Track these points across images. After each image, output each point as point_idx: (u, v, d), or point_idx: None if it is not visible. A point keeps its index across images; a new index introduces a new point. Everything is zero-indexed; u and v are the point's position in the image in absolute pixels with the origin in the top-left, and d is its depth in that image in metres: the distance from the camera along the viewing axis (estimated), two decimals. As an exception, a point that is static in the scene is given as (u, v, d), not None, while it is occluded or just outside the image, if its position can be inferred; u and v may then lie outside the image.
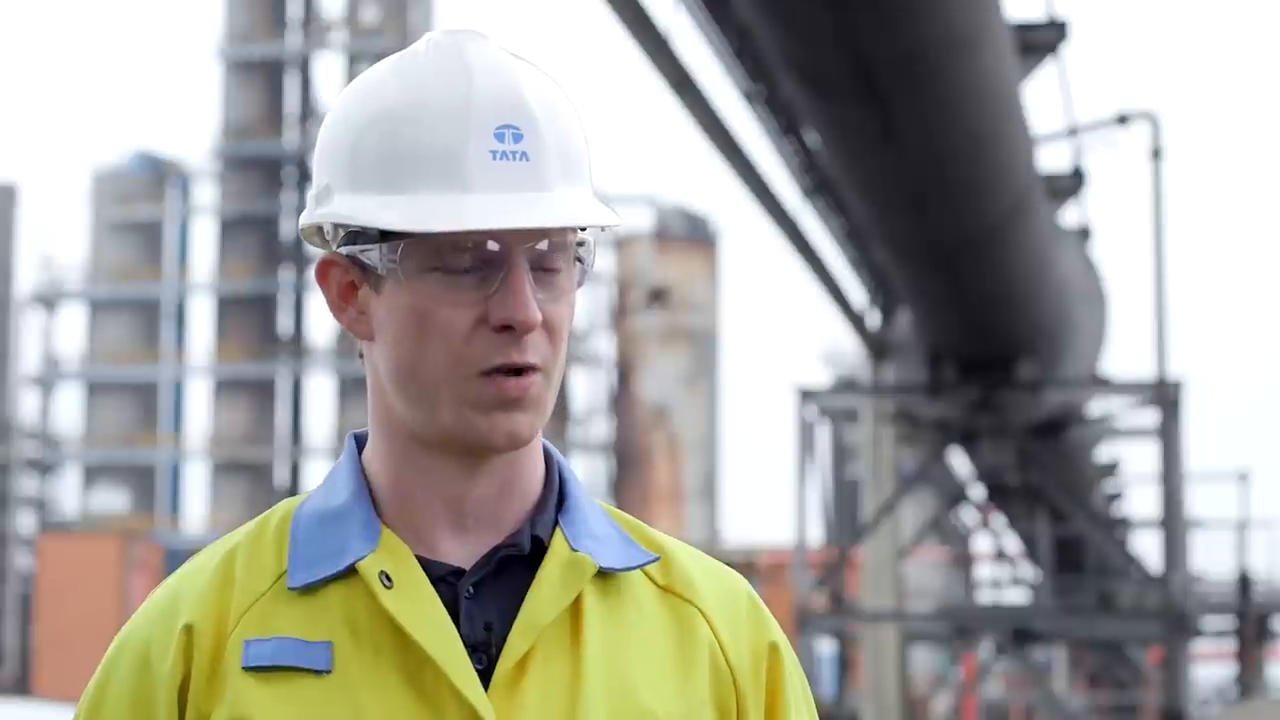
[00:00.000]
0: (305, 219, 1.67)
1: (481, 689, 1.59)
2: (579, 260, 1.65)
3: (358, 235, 1.62)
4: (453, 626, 1.60)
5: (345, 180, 1.63)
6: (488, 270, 1.59)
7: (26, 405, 58.20)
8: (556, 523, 1.68)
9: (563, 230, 1.62)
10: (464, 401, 1.60)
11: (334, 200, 1.63)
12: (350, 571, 1.63)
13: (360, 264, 1.63)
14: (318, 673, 1.60)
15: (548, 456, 1.72)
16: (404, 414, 1.64)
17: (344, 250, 1.64)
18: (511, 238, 1.59)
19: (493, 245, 1.59)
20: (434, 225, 1.57)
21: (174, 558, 42.20)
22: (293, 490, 52.43)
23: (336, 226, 1.64)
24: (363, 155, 1.62)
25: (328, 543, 1.64)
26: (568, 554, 1.65)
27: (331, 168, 1.65)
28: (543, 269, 1.61)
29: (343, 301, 1.66)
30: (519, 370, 1.60)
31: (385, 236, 1.60)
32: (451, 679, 1.58)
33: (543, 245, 1.61)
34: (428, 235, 1.58)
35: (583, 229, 1.64)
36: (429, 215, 1.57)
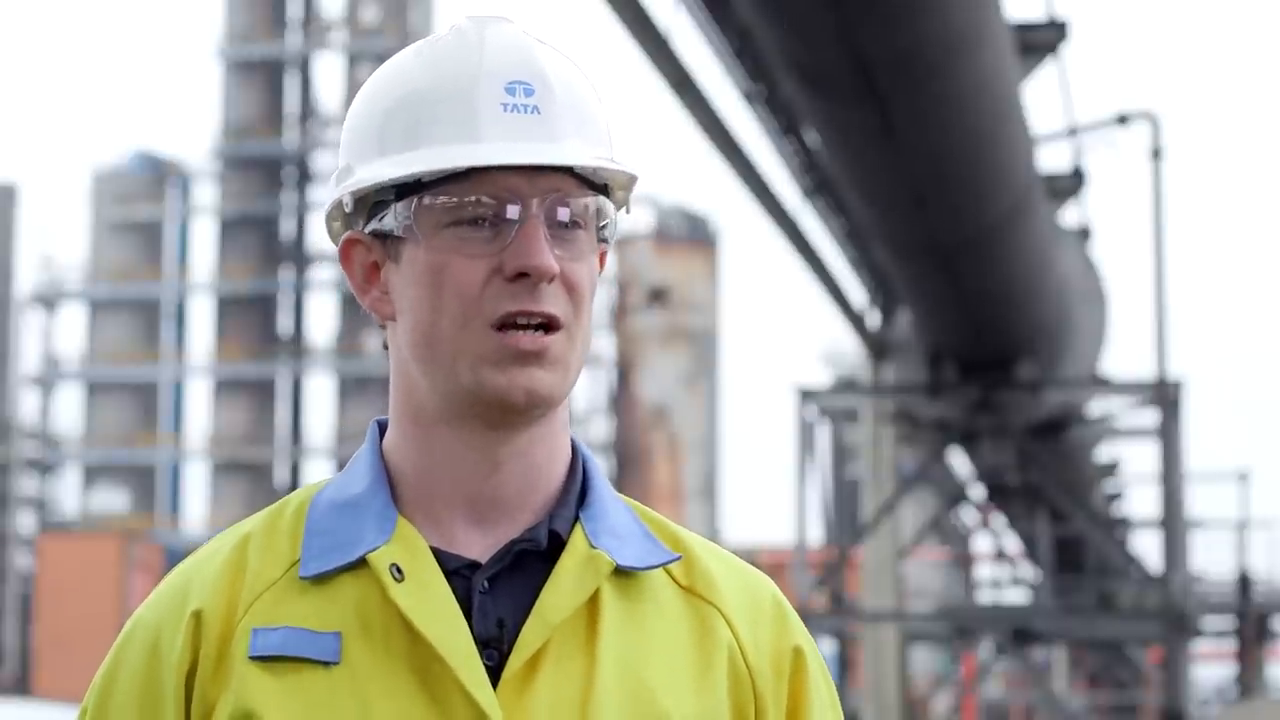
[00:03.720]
0: (327, 205, 1.68)
1: (490, 688, 1.56)
2: (603, 241, 1.65)
3: (378, 207, 1.63)
4: (464, 622, 1.58)
5: (363, 154, 1.65)
6: (503, 225, 1.59)
7: (26, 405, 58.24)
8: (577, 517, 1.66)
9: (580, 188, 1.62)
10: (481, 358, 1.59)
11: (354, 175, 1.65)
12: (363, 562, 1.61)
13: (381, 239, 1.64)
14: (325, 664, 1.58)
15: (574, 448, 1.70)
16: (424, 387, 1.63)
17: (367, 228, 1.64)
18: (526, 190, 1.59)
19: (509, 201, 1.59)
20: (441, 165, 1.58)
21: (174, 558, 42.19)
22: (292, 490, 52.23)
23: (357, 208, 1.65)
24: (380, 128, 1.64)
25: (342, 532, 1.63)
26: (586, 551, 1.63)
27: (351, 147, 1.67)
28: (562, 228, 1.61)
29: (366, 283, 1.67)
30: (537, 325, 1.59)
31: (401, 197, 1.61)
32: (459, 676, 1.56)
33: (560, 203, 1.60)
34: (440, 181, 1.59)
35: (601, 193, 1.64)
36: (437, 159, 1.59)
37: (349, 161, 1.66)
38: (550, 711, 1.57)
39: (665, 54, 9.64)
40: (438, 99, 1.61)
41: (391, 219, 1.62)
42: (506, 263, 1.59)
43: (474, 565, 1.62)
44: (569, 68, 1.66)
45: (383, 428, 1.71)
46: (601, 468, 1.72)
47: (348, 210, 1.65)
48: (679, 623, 1.66)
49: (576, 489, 1.67)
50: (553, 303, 1.60)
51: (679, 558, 1.68)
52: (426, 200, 1.60)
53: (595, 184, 1.64)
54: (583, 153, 1.61)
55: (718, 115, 10.74)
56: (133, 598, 38.58)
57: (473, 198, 1.59)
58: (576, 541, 1.63)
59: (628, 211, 1.69)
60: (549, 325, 1.60)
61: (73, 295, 59.21)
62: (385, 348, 1.69)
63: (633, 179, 1.66)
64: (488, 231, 1.59)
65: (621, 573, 1.64)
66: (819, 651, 1.73)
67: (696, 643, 1.65)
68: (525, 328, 1.59)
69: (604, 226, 1.65)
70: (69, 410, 65.46)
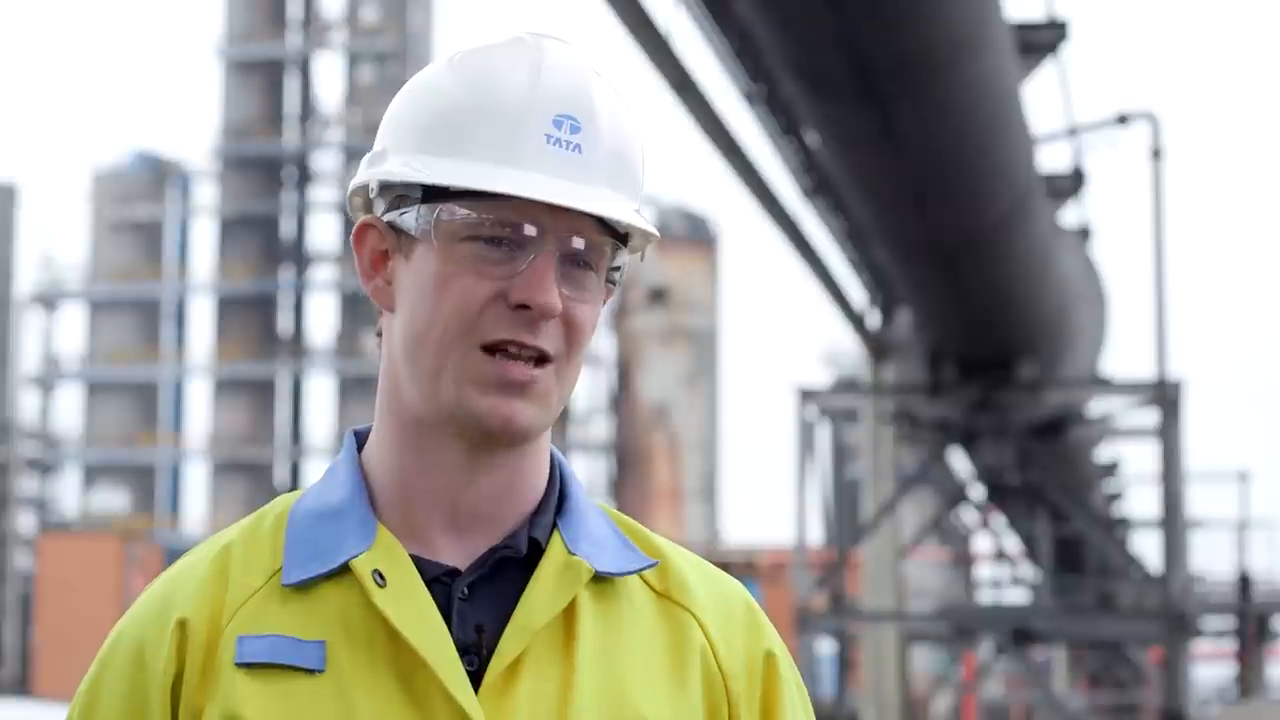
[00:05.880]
0: (354, 182, 1.69)
1: (472, 691, 1.58)
2: (610, 284, 1.66)
3: (401, 200, 1.64)
4: (445, 628, 1.60)
5: (401, 144, 1.65)
6: (518, 252, 1.60)
7: (26, 405, 58.18)
8: (555, 525, 1.67)
9: (600, 233, 1.63)
10: (466, 377, 1.60)
11: (387, 162, 1.66)
12: (344, 569, 1.62)
13: (396, 230, 1.65)
14: (310, 671, 1.59)
15: (550, 457, 1.71)
16: (410, 391, 1.64)
17: (386, 217, 1.65)
18: (548, 224, 1.60)
19: (529, 230, 1.60)
20: (475, 183, 1.58)
21: (174, 558, 41.74)
22: (292, 490, 52.17)
23: (380, 194, 1.66)
24: (424, 126, 1.64)
25: (323, 540, 1.64)
26: (564, 557, 1.64)
27: (390, 133, 1.68)
28: (574, 267, 1.62)
29: (372, 269, 1.68)
30: (530, 358, 1.60)
31: (427, 200, 1.62)
32: (442, 680, 1.57)
33: (578, 243, 1.61)
34: (467, 194, 1.60)
35: (621, 244, 1.66)
36: (473, 177, 1.59)
37: (385, 147, 1.67)
38: (530, 716, 1.59)
39: (665, 55, 9.64)
40: (486, 113, 1.61)
41: (412, 218, 1.63)
42: (513, 291, 1.59)
43: (453, 572, 1.63)
44: (619, 108, 1.66)
45: (359, 438, 1.73)
46: (577, 472, 1.73)
47: (373, 195, 1.67)
48: (654, 627, 1.68)
49: (554, 497, 1.69)
50: (548, 339, 1.61)
51: (655, 563, 1.70)
52: (450, 210, 1.61)
53: (616, 231, 1.65)
54: (612, 205, 1.62)
55: (718, 115, 10.73)
56: (132, 598, 38.54)
57: (495, 219, 1.60)
58: (555, 548, 1.65)
59: (641, 259, 1.70)
60: (540, 358, 1.61)
61: (73, 295, 59.20)
62: (379, 335, 1.70)
63: (652, 236, 1.67)
64: (502, 253, 1.60)
65: (598, 579, 1.66)
66: (790, 657, 1.74)
67: (671, 647, 1.67)
68: (517, 357, 1.60)
69: (615, 270, 1.66)
70: (69, 410, 65.56)
